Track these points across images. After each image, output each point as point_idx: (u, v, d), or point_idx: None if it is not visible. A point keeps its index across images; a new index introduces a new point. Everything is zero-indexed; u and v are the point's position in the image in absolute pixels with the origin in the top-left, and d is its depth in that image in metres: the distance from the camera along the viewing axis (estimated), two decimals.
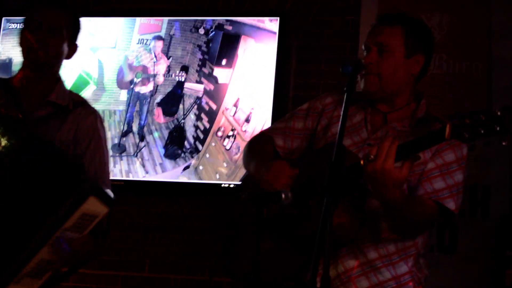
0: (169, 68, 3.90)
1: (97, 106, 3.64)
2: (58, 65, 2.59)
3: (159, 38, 3.95)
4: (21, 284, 2.38)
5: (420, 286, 2.39)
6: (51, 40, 2.52)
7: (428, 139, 2.09)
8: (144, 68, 3.93)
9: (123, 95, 3.93)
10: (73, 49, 2.60)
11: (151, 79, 3.92)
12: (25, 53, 2.52)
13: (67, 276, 2.50)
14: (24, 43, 2.52)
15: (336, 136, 2.31)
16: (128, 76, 3.95)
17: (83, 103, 2.62)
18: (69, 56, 2.59)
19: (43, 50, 2.50)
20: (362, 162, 2.14)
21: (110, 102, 3.94)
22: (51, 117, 2.54)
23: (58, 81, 2.59)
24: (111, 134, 3.90)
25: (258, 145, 2.63)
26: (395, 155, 2.08)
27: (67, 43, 2.57)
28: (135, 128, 3.90)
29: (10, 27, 4.05)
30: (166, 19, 3.95)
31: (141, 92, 3.91)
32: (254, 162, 2.55)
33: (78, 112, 2.59)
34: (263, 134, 2.69)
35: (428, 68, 2.49)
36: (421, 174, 2.35)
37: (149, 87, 3.92)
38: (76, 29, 2.60)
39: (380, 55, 2.39)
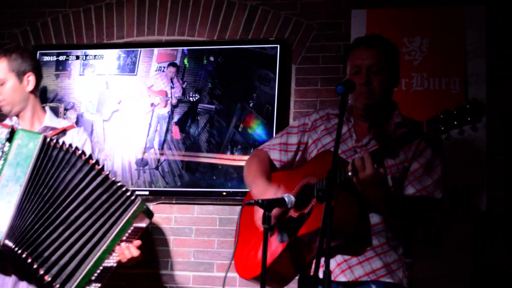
0: (184, 91, 4.23)
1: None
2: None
3: (173, 64, 4.27)
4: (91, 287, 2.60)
5: (409, 271, 2.60)
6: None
7: (408, 135, 2.33)
8: (162, 92, 4.27)
9: (145, 116, 4.26)
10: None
11: (169, 101, 4.25)
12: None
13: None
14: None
15: (325, 147, 2.65)
16: (149, 100, 4.28)
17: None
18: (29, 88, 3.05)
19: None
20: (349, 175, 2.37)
21: (133, 122, 4.25)
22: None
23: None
24: (135, 150, 4.20)
25: (253, 163, 2.85)
26: (371, 163, 2.33)
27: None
28: (156, 144, 4.18)
29: (44, 60, 4.41)
30: (180, 49, 4.25)
31: (160, 113, 4.25)
32: (248, 178, 2.81)
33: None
34: (259, 150, 2.90)
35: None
36: (404, 170, 2.56)
37: (167, 108, 4.24)
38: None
39: (373, 75, 2.59)
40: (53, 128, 3.04)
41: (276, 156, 2.83)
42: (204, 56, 4.24)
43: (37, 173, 2.66)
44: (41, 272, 2.56)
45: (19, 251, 2.57)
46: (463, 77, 3.87)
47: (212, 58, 4.23)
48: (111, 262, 2.66)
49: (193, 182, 4.13)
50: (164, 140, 4.21)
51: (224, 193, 4.06)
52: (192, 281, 4.06)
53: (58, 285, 2.57)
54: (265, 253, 2.31)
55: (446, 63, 3.92)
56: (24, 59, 3.06)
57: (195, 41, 4.31)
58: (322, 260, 2.46)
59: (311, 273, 2.59)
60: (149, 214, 2.74)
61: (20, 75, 3.06)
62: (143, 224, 2.72)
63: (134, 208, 2.67)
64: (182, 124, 4.22)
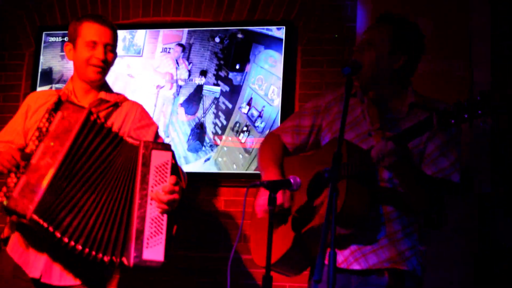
0: (189, 73, 4.26)
1: None
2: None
3: (180, 45, 4.28)
4: (151, 244, 2.56)
5: (422, 257, 2.58)
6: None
7: (418, 128, 2.29)
8: (168, 74, 4.32)
9: (151, 97, 4.30)
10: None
11: (174, 83, 4.28)
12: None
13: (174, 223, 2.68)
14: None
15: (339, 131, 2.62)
16: (154, 81, 4.31)
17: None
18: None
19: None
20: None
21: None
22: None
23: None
24: None
25: (265, 149, 2.80)
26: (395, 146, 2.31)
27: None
28: (161, 126, 4.19)
29: (49, 40, 4.43)
30: (186, 30, 4.26)
31: (166, 95, 4.27)
32: (260, 165, 2.78)
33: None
34: (272, 135, 2.85)
35: (414, 67, 2.65)
36: (420, 154, 2.53)
37: (173, 90, 4.27)
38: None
39: (366, 49, 2.60)
40: (106, 102, 2.93)
41: (288, 139, 2.79)
42: (209, 37, 4.25)
43: (76, 149, 2.63)
44: (79, 248, 2.54)
45: (47, 225, 2.52)
46: (468, 60, 3.88)
47: (217, 39, 4.24)
48: (155, 210, 2.59)
49: (198, 163, 4.14)
50: (170, 122, 4.24)
51: (231, 175, 4.07)
52: (197, 262, 4.07)
53: (118, 258, 2.56)
54: (270, 236, 2.27)
55: (451, 45, 3.93)
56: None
57: (201, 22, 4.31)
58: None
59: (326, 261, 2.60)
60: (163, 146, 2.68)
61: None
62: (163, 159, 2.65)
63: (141, 152, 2.63)
64: (187, 105, 4.24)
